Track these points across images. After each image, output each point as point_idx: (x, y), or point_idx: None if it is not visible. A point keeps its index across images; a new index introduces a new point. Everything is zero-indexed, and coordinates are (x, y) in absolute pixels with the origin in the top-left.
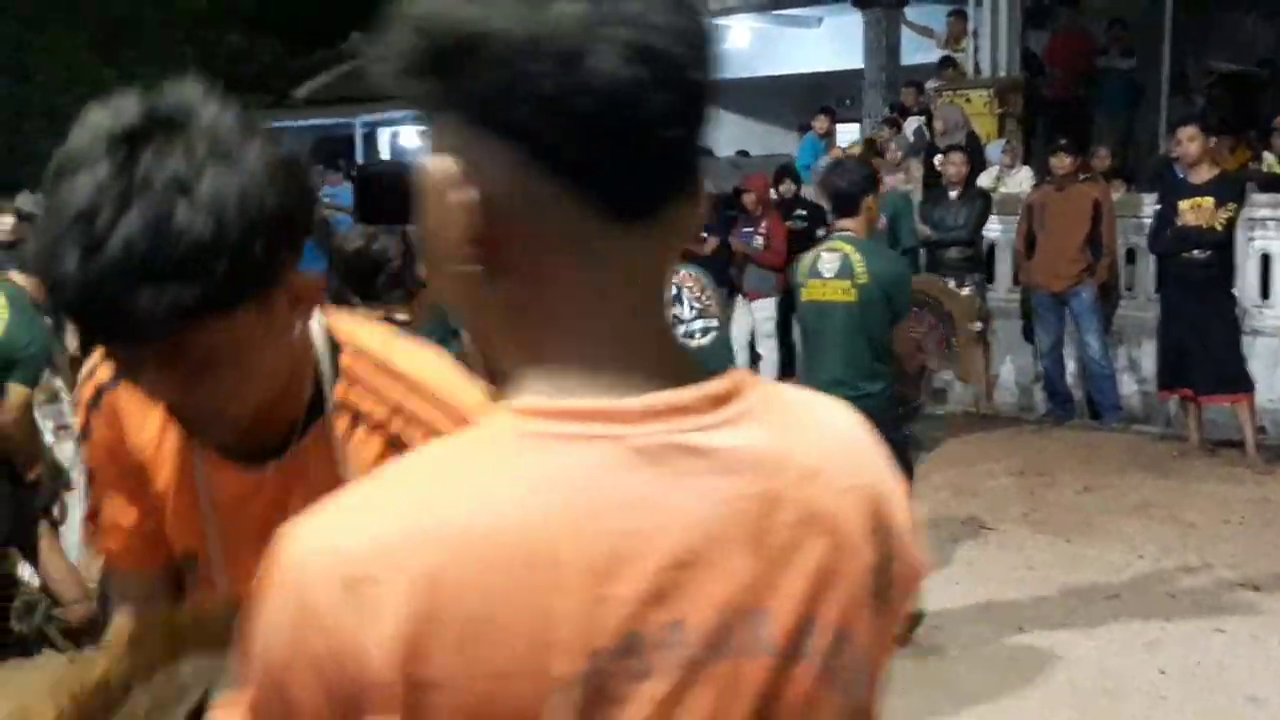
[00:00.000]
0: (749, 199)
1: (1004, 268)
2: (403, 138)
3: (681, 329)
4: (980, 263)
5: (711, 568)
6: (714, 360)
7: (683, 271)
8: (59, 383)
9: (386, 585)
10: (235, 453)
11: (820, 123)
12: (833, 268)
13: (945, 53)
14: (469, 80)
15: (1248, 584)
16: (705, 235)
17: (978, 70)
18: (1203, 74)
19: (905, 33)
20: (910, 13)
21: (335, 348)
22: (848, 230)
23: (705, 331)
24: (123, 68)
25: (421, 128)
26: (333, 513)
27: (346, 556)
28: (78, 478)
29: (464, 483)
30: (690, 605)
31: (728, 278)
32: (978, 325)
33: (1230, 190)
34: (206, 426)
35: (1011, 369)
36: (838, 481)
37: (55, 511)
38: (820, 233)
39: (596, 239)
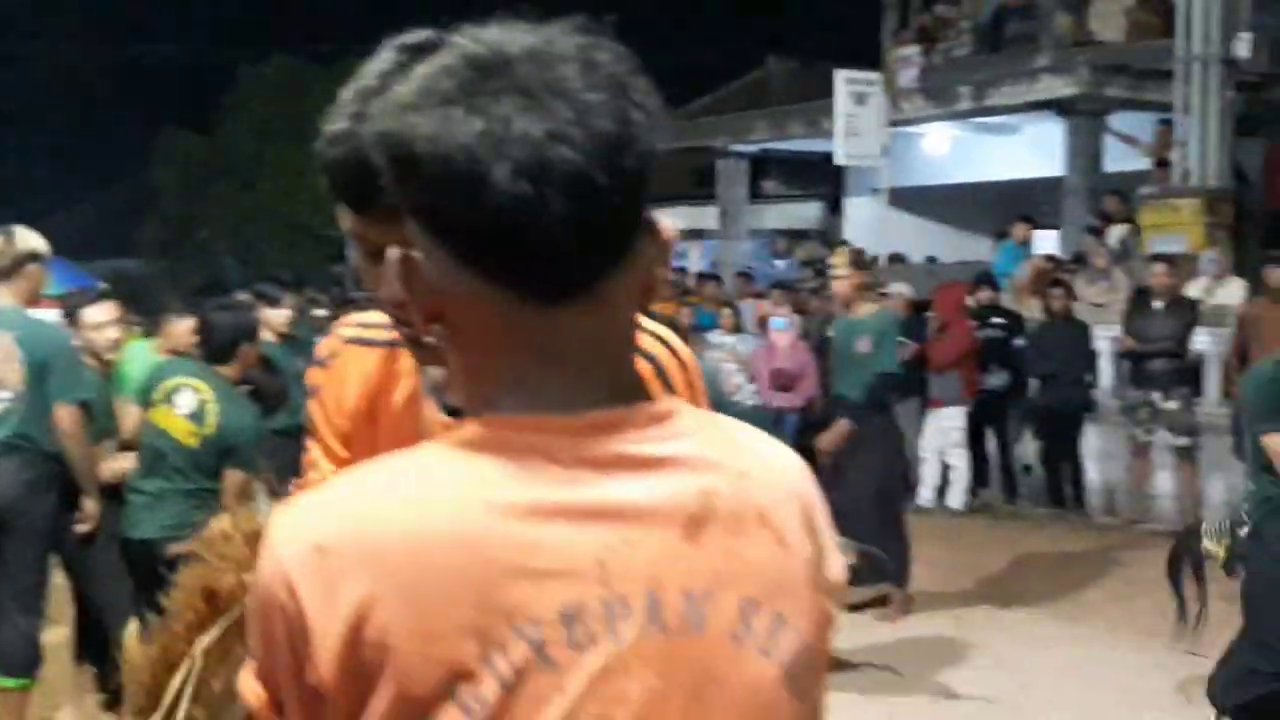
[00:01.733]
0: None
1: (1213, 381)
2: None
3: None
4: (1187, 375)
5: (651, 553)
6: (748, 416)
7: (724, 353)
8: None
9: (348, 554)
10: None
11: (1020, 230)
12: None
13: (1151, 160)
14: (411, 191)
15: None
16: (903, 341)
17: (1186, 179)
18: None
19: (1108, 140)
20: (1114, 121)
21: None
22: None
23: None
24: None
25: None
26: (318, 495)
27: (320, 528)
28: None
29: (427, 476)
30: (631, 584)
31: (921, 384)
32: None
33: None
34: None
35: (1220, 487)
36: (770, 482)
37: None
38: (1017, 342)
39: (524, 318)
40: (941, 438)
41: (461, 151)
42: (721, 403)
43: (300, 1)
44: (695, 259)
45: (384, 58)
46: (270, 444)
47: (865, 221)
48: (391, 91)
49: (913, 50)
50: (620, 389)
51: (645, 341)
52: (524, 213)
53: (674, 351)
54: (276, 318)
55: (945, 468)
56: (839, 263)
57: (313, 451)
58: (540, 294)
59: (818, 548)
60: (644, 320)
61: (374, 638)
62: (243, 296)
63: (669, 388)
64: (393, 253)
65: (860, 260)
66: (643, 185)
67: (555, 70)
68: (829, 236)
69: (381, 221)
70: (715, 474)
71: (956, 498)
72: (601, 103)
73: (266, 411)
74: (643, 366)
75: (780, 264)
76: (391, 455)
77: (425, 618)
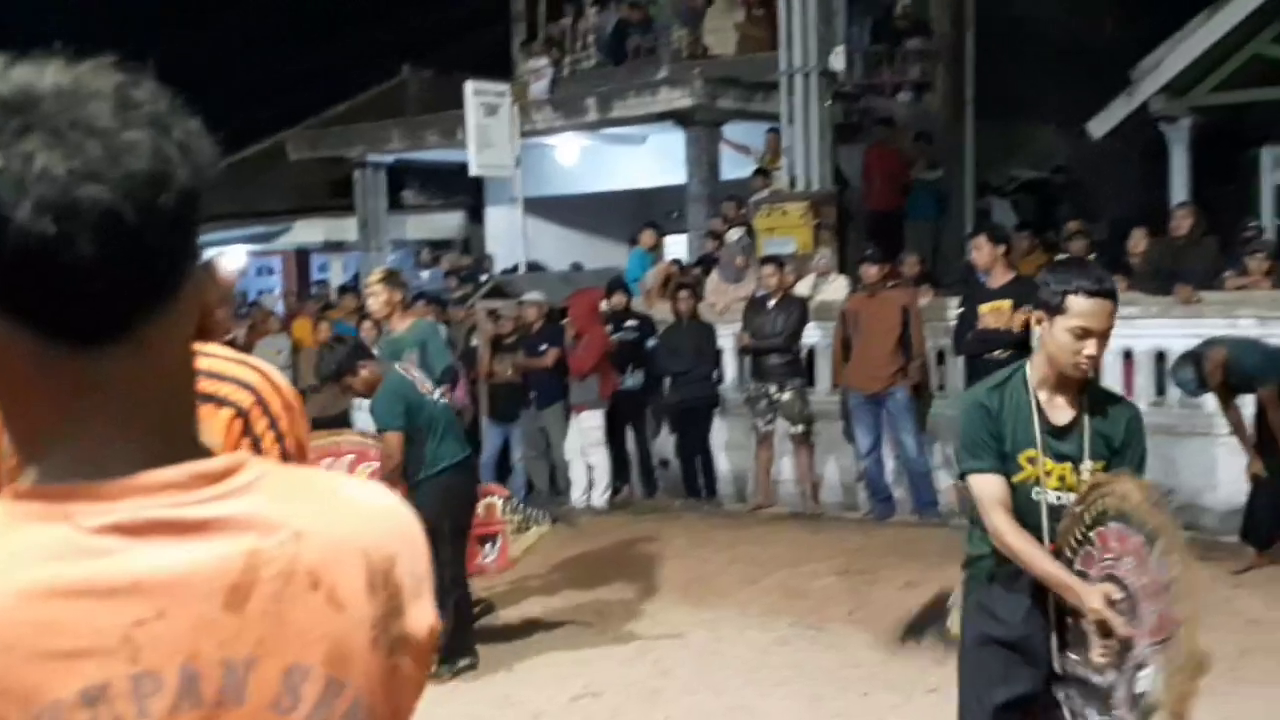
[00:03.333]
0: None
1: (824, 371)
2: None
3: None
4: (801, 367)
5: (186, 624)
6: (446, 413)
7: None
8: None
9: None
10: None
11: (647, 237)
12: None
13: (761, 167)
14: None
15: None
16: (544, 347)
17: (793, 184)
18: (1006, 180)
19: (724, 149)
20: (729, 131)
21: None
22: None
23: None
24: None
25: None
26: None
27: None
28: None
29: None
30: (163, 658)
31: (563, 390)
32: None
33: (1027, 292)
34: None
35: (835, 469)
36: (331, 541)
37: None
38: (650, 343)
39: (58, 363)
40: (582, 438)
41: None
42: (422, 404)
43: None
44: (337, 271)
45: None
46: None
47: (506, 230)
48: None
49: (542, 62)
50: (169, 445)
51: (247, 374)
52: (48, 251)
53: (276, 386)
54: None
55: (588, 467)
56: (372, 282)
57: None
58: (71, 335)
59: (389, 606)
60: (247, 355)
61: None
62: None
63: (271, 420)
64: None
65: (394, 279)
66: (185, 224)
67: (86, 108)
68: (471, 246)
69: None
70: (265, 536)
71: (598, 496)
72: (136, 141)
73: None
74: (242, 397)
75: (425, 275)
76: None
77: None
